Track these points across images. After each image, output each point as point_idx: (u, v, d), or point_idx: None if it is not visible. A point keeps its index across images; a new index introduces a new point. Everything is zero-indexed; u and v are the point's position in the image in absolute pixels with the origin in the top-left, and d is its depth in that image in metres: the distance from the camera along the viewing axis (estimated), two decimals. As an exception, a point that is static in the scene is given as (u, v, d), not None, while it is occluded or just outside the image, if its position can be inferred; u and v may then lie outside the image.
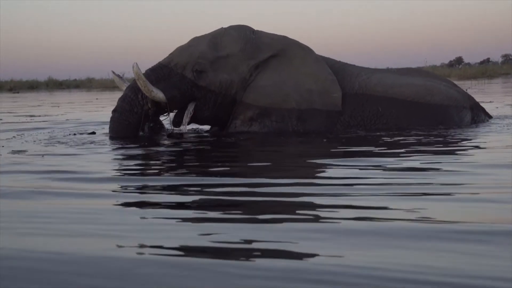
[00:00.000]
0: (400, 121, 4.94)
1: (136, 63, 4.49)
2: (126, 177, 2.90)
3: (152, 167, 3.35)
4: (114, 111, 4.71)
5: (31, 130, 5.76)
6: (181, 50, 4.87)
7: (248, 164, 3.35)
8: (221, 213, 2.04)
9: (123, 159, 3.62)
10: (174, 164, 3.46)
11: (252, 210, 2.08)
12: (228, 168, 3.16)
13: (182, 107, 4.76)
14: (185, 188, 2.53)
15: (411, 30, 55.05)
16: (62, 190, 2.51)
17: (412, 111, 4.96)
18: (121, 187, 2.62)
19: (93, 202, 2.29)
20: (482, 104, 5.68)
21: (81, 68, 61.85)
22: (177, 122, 4.82)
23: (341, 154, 3.60)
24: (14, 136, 5.09)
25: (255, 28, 5.14)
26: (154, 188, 2.57)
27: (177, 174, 2.95)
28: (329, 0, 69.06)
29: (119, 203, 2.25)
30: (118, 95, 5.13)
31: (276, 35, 5.12)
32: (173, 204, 2.22)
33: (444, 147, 3.77)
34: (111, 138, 4.64)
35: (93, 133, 5.19)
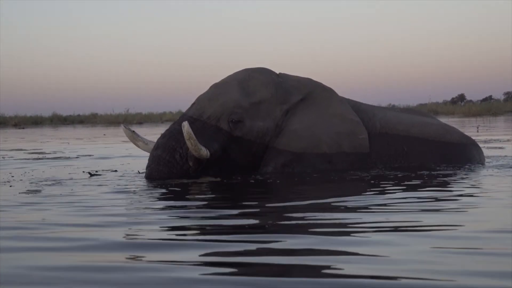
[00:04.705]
0: (425, 159, 4.95)
1: (187, 122, 4.21)
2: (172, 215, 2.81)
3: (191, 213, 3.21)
4: (149, 176, 4.35)
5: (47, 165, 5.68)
6: (209, 100, 4.59)
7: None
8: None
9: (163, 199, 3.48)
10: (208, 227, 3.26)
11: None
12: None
13: (218, 157, 4.51)
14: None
15: (413, 67, 55.60)
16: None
17: (435, 150, 5.00)
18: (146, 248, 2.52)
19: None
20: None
21: (85, 103, 62.10)
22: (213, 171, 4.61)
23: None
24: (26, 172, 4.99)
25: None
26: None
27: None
28: (332, 34, 69.84)
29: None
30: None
31: (300, 77, 5.04)
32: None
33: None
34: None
35: (115, 171, 5.09)
